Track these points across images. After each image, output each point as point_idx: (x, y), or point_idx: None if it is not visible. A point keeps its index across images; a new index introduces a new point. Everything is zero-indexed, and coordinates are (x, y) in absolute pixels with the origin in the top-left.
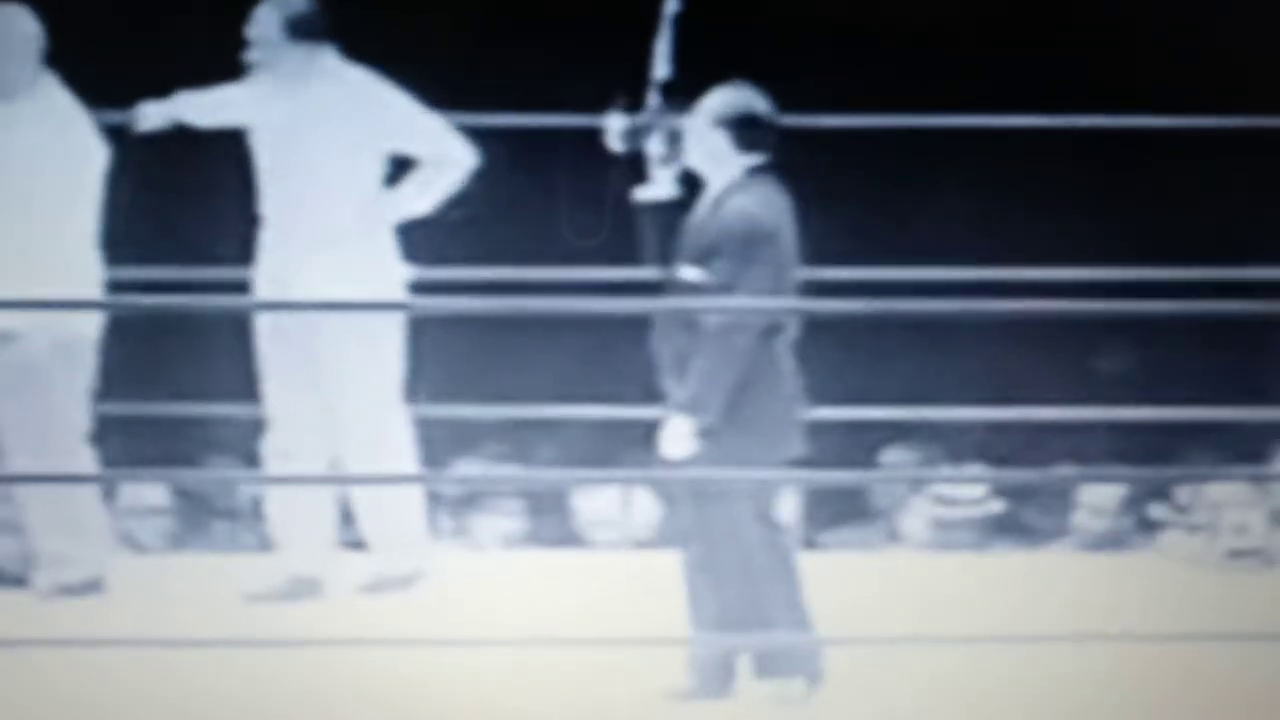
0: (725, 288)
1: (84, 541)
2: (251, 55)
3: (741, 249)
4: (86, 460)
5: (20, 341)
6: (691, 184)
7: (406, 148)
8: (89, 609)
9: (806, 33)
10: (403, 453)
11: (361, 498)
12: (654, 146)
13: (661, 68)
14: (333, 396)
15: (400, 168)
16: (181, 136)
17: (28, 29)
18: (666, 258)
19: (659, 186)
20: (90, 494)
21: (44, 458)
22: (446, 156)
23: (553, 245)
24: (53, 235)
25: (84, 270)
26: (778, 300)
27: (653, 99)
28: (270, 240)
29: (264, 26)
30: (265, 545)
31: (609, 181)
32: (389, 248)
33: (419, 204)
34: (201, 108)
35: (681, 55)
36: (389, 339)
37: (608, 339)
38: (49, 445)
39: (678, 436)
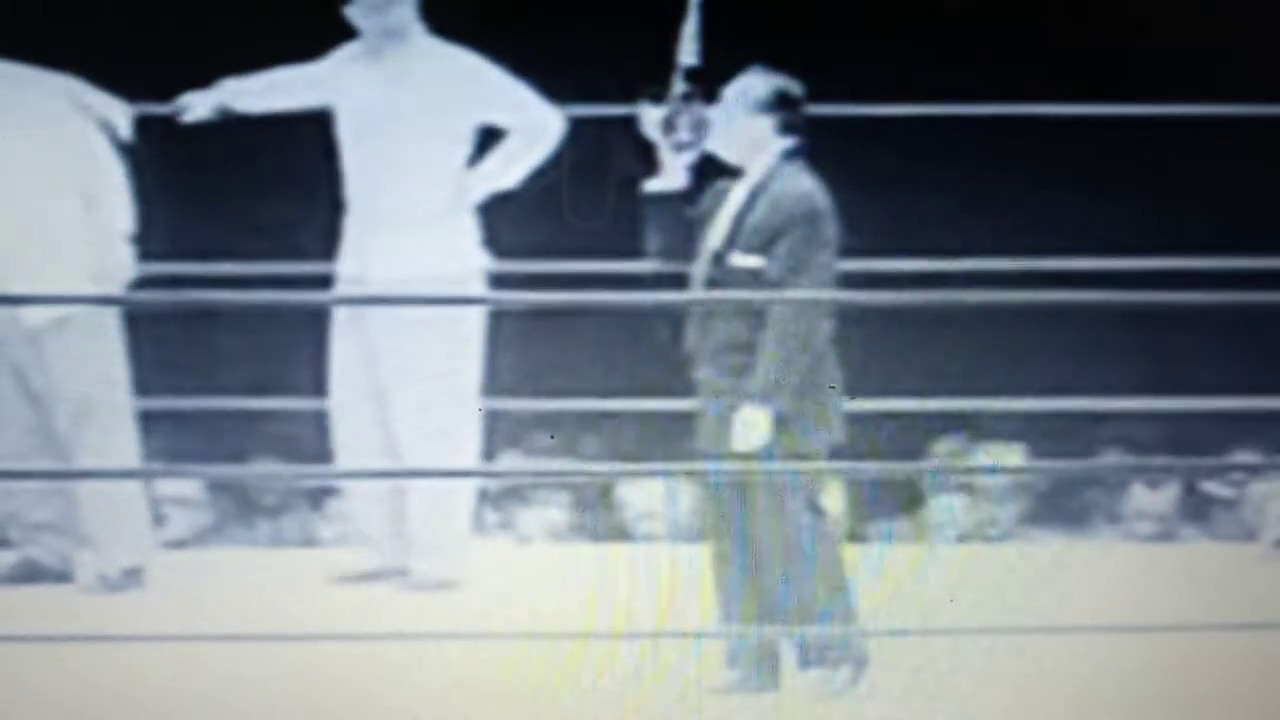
0: (791, 272)
1: (127, 530)
2: (361, 16)
3: (807, 232)
4: (134, 447)
5: (76, 323)
6: (699, 175)
7: (497, 118)
8: (130, 603)
9: (830, 19)
10: (464, 452)
11: (412, 499)
12: (682, 134)
13: (688, 55)
14: (390, 388)
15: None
16: (262, 127)
17: None
18: (675, 248)
19: (671, 177)
20: (134, 484)
21: (106, 442)
22: (537, 126)
23: (589, 236)
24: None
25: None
26: (830, 290)
27: (678, 86)
28: (354, 224)
29: None
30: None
31: (618, 164)
32: (471, 231)
33: (507, 177)
34: (271, 91)
35: (704, 41)
36: (463, 329)
37: (650, 331)
38: (110, 428)
39: (753, 427)
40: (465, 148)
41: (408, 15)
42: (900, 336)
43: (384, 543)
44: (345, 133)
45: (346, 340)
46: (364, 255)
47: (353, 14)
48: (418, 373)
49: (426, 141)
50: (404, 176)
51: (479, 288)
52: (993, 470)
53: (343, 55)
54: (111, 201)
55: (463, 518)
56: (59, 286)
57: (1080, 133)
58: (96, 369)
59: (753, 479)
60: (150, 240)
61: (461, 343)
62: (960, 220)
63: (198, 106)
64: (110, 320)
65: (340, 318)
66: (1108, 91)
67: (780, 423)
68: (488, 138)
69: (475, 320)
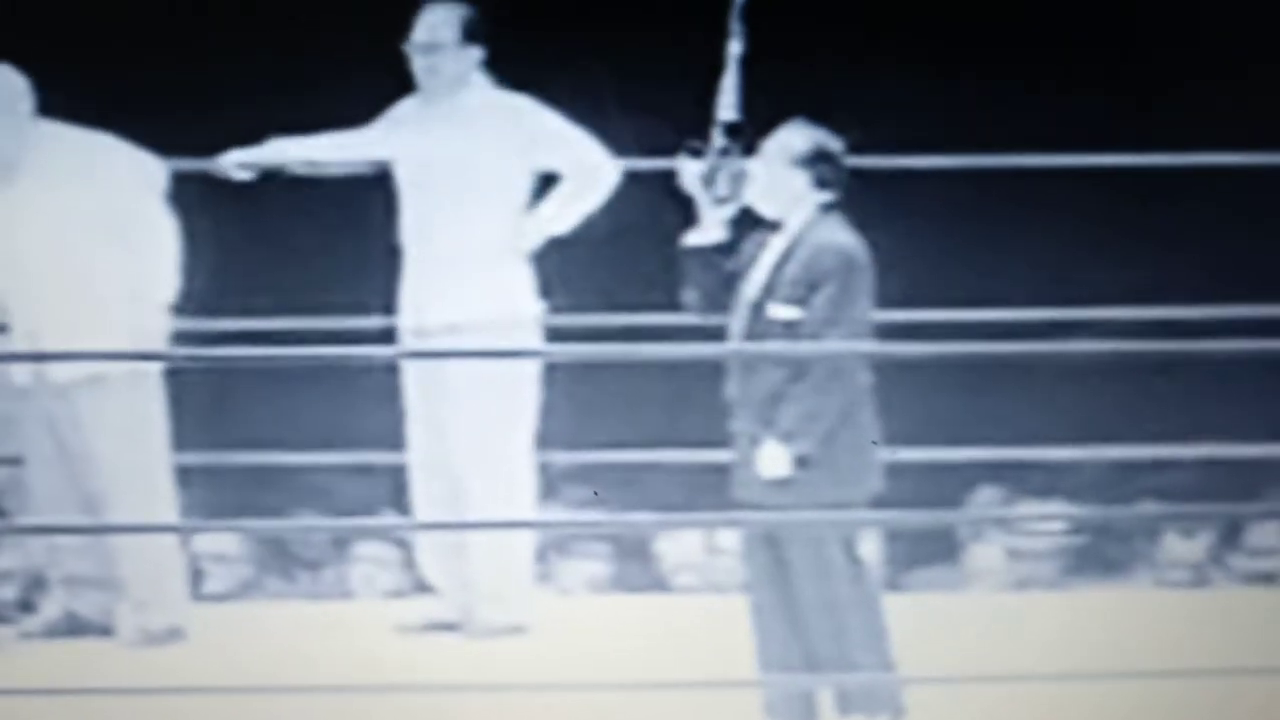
0: (827, 323)
1: (167, 587)
2: (419, 62)
3: (844, 284)
4: (173, 505)
5: (110, 381)
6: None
7: (551, 161)
8: (173, 657)
9: (869, 73)
10: (521, 500)
11: (473, 547)
12: (721, 189)
13: (727, 109)
14: (457, 435)
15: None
16: (311, 184)
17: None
18: (713, 301)
19: (709, 230)
20: (173, 541)
21: (142, 501)
22: (591, 169)
23: (629, 289)
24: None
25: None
26: (867, 342)
27: (717, 140)
28: (411, 272)
29: (440, 30)
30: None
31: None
32: (526, 277)
33: (559, 222)
34: (320, 150)
35: (743, 95)
36: (520, 378)
37: (688, 383)
38: (147, 486)
39: (775, 459)
40: (522, 192)
41: (466, 64)
42: (939, 387)
43: (449, 592)
44: (403, 182)
45: (412, 391)
46: (420, 302)
47: (410, 50)
48: (474, 419)
49: (482, 186)
50: (460, 222)
51: (534, 334)
52: (1030, 519)
53: (398, 110)
54: (157, 266)
55: (524, 563)
56: (95, 344)
57: (1118, 184)
58: (132, 427)
59: (791, 529)
60: (194, 295)
61: (516, 388)
62: (998, 271)
63: (241, 165)
64: (149, 377)
65: (406, 369)
66: (1150, 143)
67: (811, 467)
68: (546, 183)
69: (530, 367)
